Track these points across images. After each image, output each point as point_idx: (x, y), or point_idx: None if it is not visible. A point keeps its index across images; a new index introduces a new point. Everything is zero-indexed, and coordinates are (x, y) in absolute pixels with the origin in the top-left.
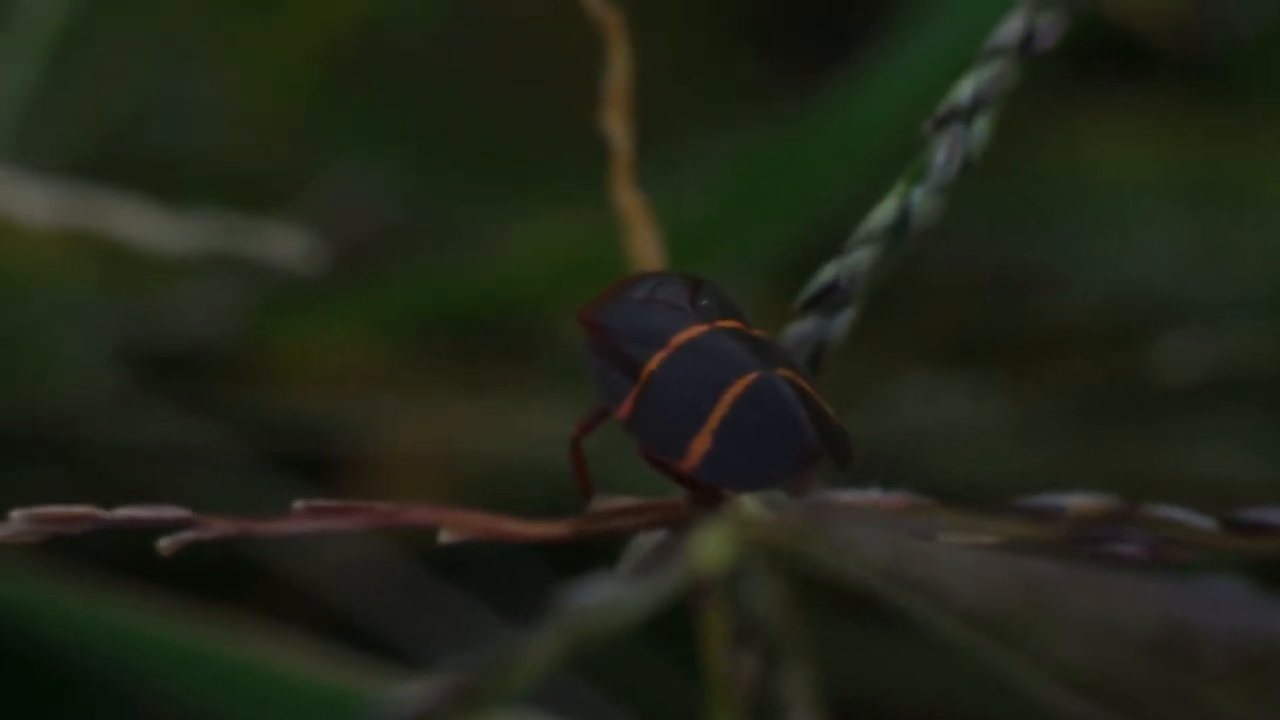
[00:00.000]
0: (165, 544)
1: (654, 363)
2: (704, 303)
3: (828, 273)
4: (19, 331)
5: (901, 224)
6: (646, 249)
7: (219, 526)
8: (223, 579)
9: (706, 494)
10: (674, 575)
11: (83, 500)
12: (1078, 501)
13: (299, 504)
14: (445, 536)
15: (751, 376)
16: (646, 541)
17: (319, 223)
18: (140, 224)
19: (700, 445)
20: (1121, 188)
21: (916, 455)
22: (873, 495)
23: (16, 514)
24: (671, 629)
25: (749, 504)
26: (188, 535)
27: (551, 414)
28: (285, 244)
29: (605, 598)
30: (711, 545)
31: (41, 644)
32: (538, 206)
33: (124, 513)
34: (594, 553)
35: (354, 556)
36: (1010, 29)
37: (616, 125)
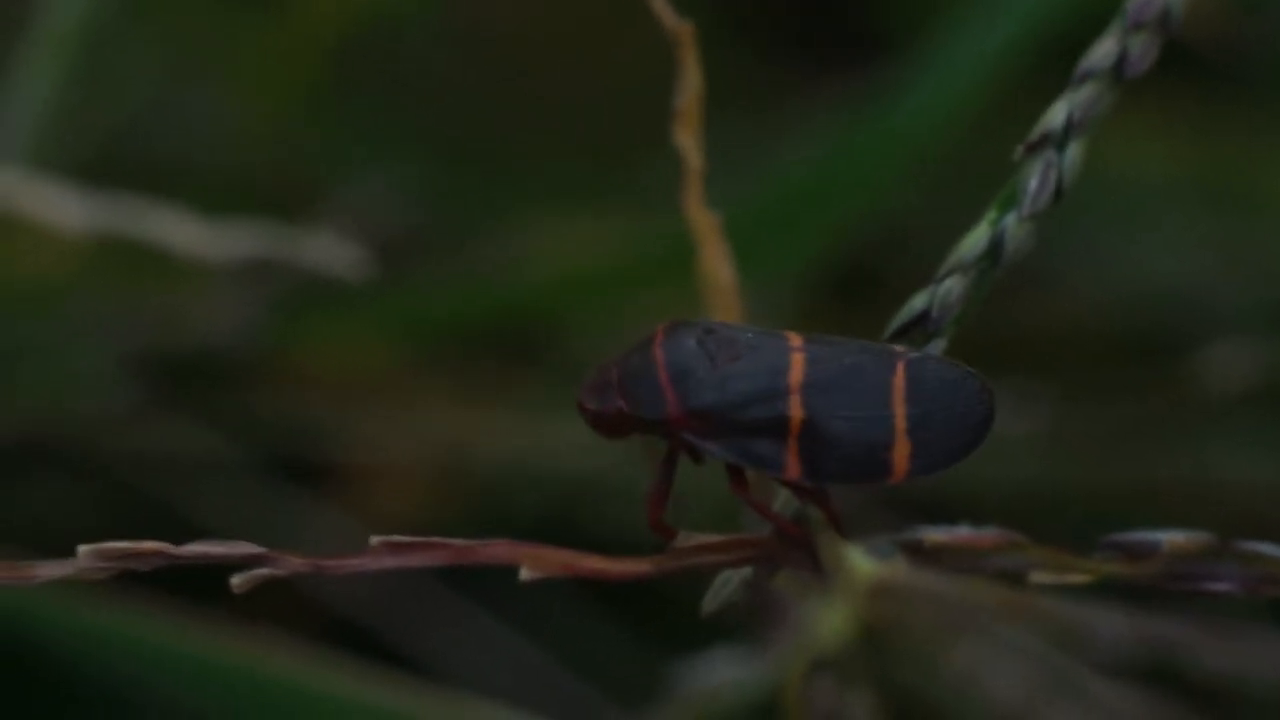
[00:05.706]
0: (238, 582)
1: (796, 410)
2: (749, 335)
3: (918, 302)
4: (33, 342)
5: (993, 252)
6: (720, 266)
7: (292, 563)
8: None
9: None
10: (796, 654)
11: (97, 510)
12: (1173, 538)
13: (375, 540)
14: (525, 574)
15: (901, 364)
16: (731, 577)
17: (336, 229)
18: (171, 230)
19: (902, 451)
20: (1140, 190)
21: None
22: (963, 532)
23: (83, 550)
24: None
25: (859, 560)
26: (262, 573)
27: (561, 422)
28: (323, 251)
29: (727, 678)
30: (834, 622)
31: (48, 655)
32: (544, 212)
33: (194, 548)
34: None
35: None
36: (1104, 52)
37: (687, 140)
